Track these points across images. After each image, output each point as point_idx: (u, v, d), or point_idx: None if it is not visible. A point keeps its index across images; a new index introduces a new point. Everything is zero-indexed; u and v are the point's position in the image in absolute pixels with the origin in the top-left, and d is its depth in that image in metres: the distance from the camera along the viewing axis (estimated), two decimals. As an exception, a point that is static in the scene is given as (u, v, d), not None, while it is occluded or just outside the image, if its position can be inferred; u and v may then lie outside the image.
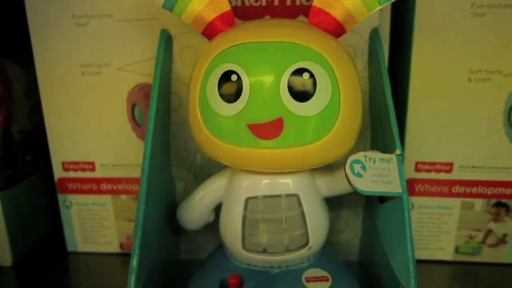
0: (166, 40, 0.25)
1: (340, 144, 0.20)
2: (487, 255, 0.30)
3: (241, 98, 0.19)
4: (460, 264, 0.30)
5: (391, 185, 0.21)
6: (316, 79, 0.19)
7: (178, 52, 0.26)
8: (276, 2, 0.25)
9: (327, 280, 0.22)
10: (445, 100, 0.27)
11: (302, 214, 0.22)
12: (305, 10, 0.25)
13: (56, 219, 0.32)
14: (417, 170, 0.29)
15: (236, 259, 0.23)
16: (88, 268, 0.31)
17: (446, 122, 0.27)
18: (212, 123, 0.20)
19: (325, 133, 0.19)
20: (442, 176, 0.29)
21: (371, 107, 0.26)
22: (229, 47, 0.20)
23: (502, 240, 0.30)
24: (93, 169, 0.30)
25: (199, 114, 0.21)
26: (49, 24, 0.27)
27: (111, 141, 0.29)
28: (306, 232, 0.22)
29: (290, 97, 0.19)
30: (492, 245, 0.30)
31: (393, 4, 0.24)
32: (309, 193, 0.22)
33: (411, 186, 0.29)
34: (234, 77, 0.19)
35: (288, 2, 0.25)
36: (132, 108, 0.28)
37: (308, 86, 0.19)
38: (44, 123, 0.29)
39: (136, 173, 0.29)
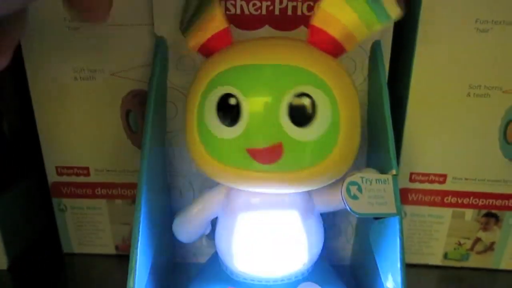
0: (162, 49, 0.25)
1: (338, 166, 0.20)
2: (475, 261, 0.31)
3: (240, 122, 0.19)
4: (448, 268, 0.31)
5: (386, 206, 0.21)
6: (316, 103, 0.18)
7: (174, 60, 0.26)
8: (277, 11, 0.24)
9: (320, 293, 0.23)
10: (443, 114, 0.27)
11: (299, 231, 0.22)
12: (306, 20, 0.24)
13: (51, 220, 0.32)
14: (411, 180, 0.29)
15: (232, 273, 0.24)
16: (84, 269, 0.31)
17: (443, 135, 0.27)
18: (211, 145, 0.20)
19: (323, 157, 0.19)
20: (436, 186, 0.29)
21: (369, 120, 0.26)
22: (227, 69, 0.19)
23: (490, 248, 0.30)
24: (87, 174, 0.29)
25: (197, 136, 0.20)
26: (40, 26, 0.26)
27: (106, 146, 0.28)
28: (302, 249, 0.22)
29: (289, 122, 0.18)
30: (480, 252, 0.31)
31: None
32: (306, 210, 0.22)
33: (405, 195, 0.29)
34: (233, 101, 0.19)
35: (289, 12, 0.24)
36: (126, 114, 0.28)
37: (308, 111, 0.18)
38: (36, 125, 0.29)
39: (131, 178, 0.29)
